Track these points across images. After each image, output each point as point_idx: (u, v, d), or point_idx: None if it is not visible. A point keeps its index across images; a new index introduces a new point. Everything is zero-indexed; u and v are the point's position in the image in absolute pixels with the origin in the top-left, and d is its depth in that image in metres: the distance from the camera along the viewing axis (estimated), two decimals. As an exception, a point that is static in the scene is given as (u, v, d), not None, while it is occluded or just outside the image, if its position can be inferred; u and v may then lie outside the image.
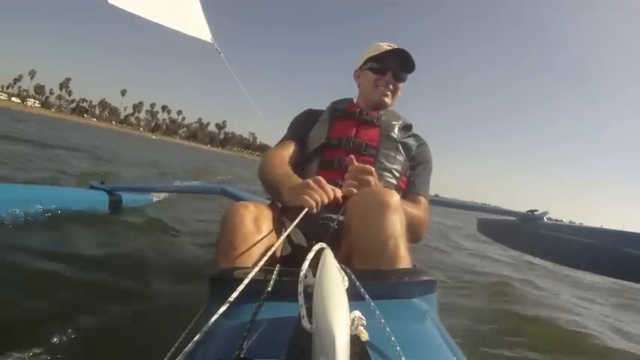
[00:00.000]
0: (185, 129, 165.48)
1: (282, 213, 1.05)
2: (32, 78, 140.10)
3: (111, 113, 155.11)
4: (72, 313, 1.38)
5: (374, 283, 0.69)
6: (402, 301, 0.73)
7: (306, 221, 0.93)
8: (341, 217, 1.00)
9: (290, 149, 1.35)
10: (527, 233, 2.74)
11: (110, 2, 2.72)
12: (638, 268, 1.99)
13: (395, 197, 0.87)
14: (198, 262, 2.29)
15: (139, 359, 1.19)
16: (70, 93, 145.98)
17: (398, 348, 0.48)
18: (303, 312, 0.48)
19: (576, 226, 3.06)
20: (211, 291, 0.76)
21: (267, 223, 0.91)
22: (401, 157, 1.36)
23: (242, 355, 0.49)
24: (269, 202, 1.19)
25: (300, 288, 0.52)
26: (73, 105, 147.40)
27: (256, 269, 0.61)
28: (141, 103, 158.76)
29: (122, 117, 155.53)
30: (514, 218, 2.94)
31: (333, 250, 0.61)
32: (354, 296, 0.53)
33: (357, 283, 0.60)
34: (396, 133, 1.37)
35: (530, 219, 2.74)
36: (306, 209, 0.87)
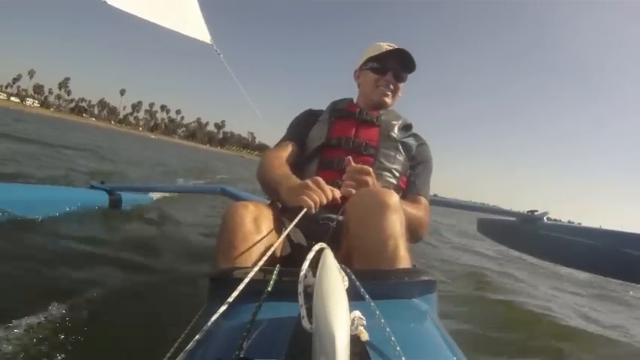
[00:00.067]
0: (184, 128, 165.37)
1: (282, 213, 1.05)
2: (31, 78, 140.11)
3: (110, 113, 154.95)
4: (71, 313, 1.38)
5: (374, 283, 0.69)
6: (402, 301, 0.73)
7: (306, 221, 0.93)
8: (340, 217, 1.01)
9: (289, 150, 1.35)
10: (527, 233, 2.75)
11: (109, 3, 2.72)
12: (638, 269, 1.99)
13: (394, 197, 0.87)
14: (198, 262, 2.29)
15: (139, 359, 1.20)
16: (69, 93, 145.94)
17: (398, 348, 0.48)
18: (303, 312, 0.48)
19: (576, 226, 3.06)
20: (211, 291, 0.76)
21: (267, 223, 0.91)
22: (401, 157, 1.35)
23: (242, 355, 0.49)
24: (269, 202, 1.19)
25: (300, 288, 0.52)
26: (72, 105, 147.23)
27: (256, 269, 0.61)
28: (140, 102, 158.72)
29: (121, 116, 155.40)
30: (514, 218, 2.95)
31: (332, 250, 0.61)
32: (354, 296, 0.53)
33: (357, 283, 0.60)
34: (395, 132, 1.37)
35: (530, 219, 2.74)
36: (305, 209, 0.87)
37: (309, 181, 0.94)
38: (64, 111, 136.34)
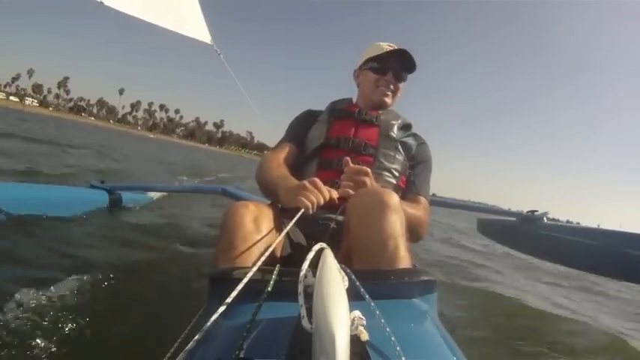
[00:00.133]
0: (183, 128, 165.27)
1: (283, 213, 1.05)
2: (30, 77, 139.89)
3: (109, 112, 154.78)
4: (71, 313, 1.37)
5: (374, 283, 0.69)
6: (402, 301, 0.73)
7: (306, 221, 0.93)
8: (340, 218, 1.01)
9: (288, 151, 1.35)
10: (527, 234, 2.75)
11: (106, 4, 2.71)
12: (638, 269, 1.99)
13: (394, 197, 0.88)
14: (198, 262, 2.29)
15: (139, 359, 1.20)
16: (68, 92, 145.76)
17: (398, 348, 0.48)
18: (303, 312, 0.49)
19: (576, 226, 3.07)
20: (211, 291, 0.76)
21: (267, 223, 0.91)
22: (400, 157, 1.36)
23: (242, 355, 0.49)
24: (269, 202, 1.19)
25: (300, 288, 0.52)
26: (71, 104, 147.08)
27: (254, 269, 0.62)
28: (139, 102, 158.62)
29: (120, 116, 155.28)
30: (514, 219, 2.95)
31: (332, 250, 0.61)
32: (354, 296, 0.53)
33: (357, 283, 0.60)
34: (395, 132, 1.38)
35: (530, 219, 2.74)
36: (302, 210, 0.88)
37: (306, 182, 0.95)
38: (62, 110, 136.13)
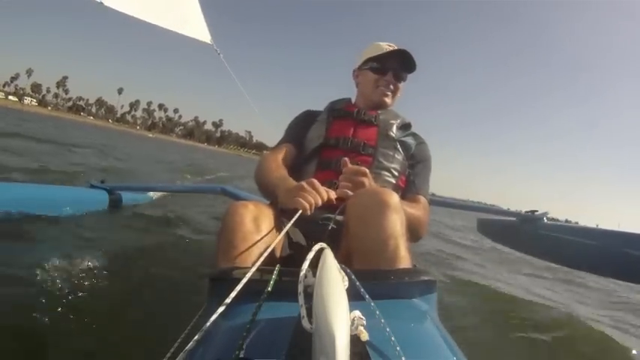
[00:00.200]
0: (182, 127, 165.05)
1: (282, 213, 1.05)
2: (29, 76, 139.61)
3: (107, 111, 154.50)
4: (71, 313, 1.38)
5: (374, 283, 0.69)
6: (402, 301, 0.73)
7: (306, 222, 0.93)
8: (338, 217, 1.01)
9: (287, 152, 1.35)
10: (527, 234, 2.75)
11: (106, 4, 2.71)
12: (638, 269, 1.99)
13: (394, 197, 0.88)
14: (198, 262, 2.28)
15: (139, 359, 1.20)
16: (67, 91, 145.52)
17: (398, 348, 0.48)
18: (303, 312, 0.49)
19: (576, 226, 3.07)
20: (211, 291, 0.76)
21: (267, 223, 0.91)
22: (399, 156, 1.36)
23: (242, 355, 0.49)
24: (269, 201, 1.19)
25: (300, 288, 0.52)
26: (70, 103, 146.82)
27: (253, 269, 0.62)
28: (137, 101, 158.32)
29: (119, 115, 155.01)
30: (514, 218, 2.95)
31: (332, 250, 0.61)
32: (354, 296, 0.53)
33: (357, 283, 0.60)
34: (394, 131, 1.38)
35: (530, 219, 2.74)
36: (300, 211, 0.88)
37: (304, 184, 0.95)
38: (61, 110, 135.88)
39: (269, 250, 0.73)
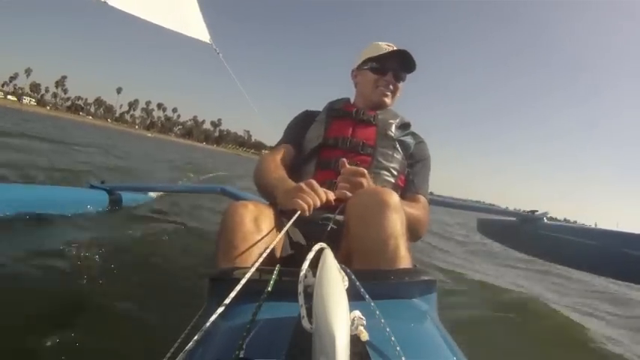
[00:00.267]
0: (180, 127, 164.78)
1: (282, 213, 1.06)
2: (28, 76, 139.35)
3: (106, 111, 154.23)
4: (71, 313, 1.37)
5: (374, 283, 0.69)
6: (402, 301, 0.73)
7: (306, 222, 0.93)
8: (338, 217, 1.01)
9: (286, 153, 1.35)
10: (527, 234, 2.75)
11: (110, 4, 2.71)
12: (638, 269, 1.99)
13: (394, 197, 0.87)
14: (198, 262, 2.28)
15: (139, 359, 1.20)
16: (65, 91, 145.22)
17: (398, 348, 0.48)
18: (303, 312, 0.48)
19: (576, 226, 3.07)
20: (211, 291, 0.76)
21: (267, 223, 0.91)
22: (398, 156, 1.36)
23: (242, 355, 0.49)
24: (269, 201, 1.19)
25: (300, 288, 0.52)
26: (69, 103, 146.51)
27: (252, 269, 0.61)
28: (136, 100, 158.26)
29: (117, 115, 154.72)
30: (514, 218, 2.95)
31: (332, 250, 0.61)
32: (354, 296, 0.53)
33: (357, 283, 0.60)
34: (393, 131, 1.38)
35: (530, 219, 2.74)
36: (298, 212, 0.88)
37: (302, 185, 0.95)
38: (60, 109, 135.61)
39: (269, 250, 0.73)
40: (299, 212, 0.88)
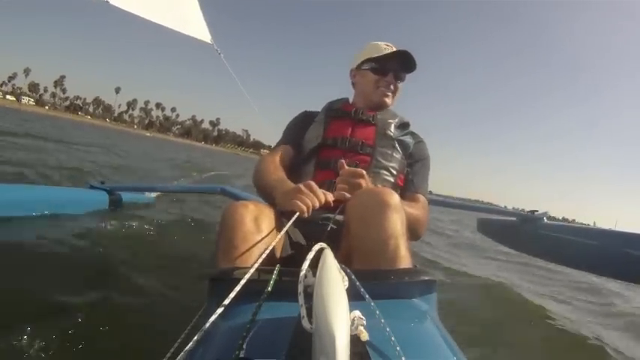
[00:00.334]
0: (179, 126, 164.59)
1: (283, 213, 1.06)
2: (27, 76, 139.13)
3: (105, 111, 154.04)
4: (71, 313, 1.37)
5: (374, 283, 0.69)
6: (402, 301, 0.73)
7: (306, 222, 0.93)
8: (338, 217, 1.01)
9: (285, 154, 1.35)
10: (527, 233, 2.74)
11: (111, 3, 2.71)
12: (638, 269, 1.99)
13: (395, 197, 0.87)
14: (198, 262, 2.28)
15: (139, 359, 1.20)
16: (64, 91, 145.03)
17: (398, 348, 0.48)
18: (303, 312, 0.48)
19: (576, 226, 3.06)
20: (211, 291, 0.76)
21: (267, 223, 0.90)
22: (398, 155, 1.36)
23: (242, 355, 0.49)
24: None
25: (300, 288, 0.52)
26: (67, 103, 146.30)
27: (252, 270, 0.61)
28: (135, 100, 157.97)
29: (116, 114, 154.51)
30: (514, 218, 2.94)
31: (332, 250, 0.61)
32: (354, 296, 0.53)
33: (357, 283, 0.60)
34: (392, 130, 1.38)
35: (531, 219, 2.73)
36: (297, 214, 0.88)
37: (301, 186, 0.94)
38: (59, 109, 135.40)
39: (269, 250, 0.73)
40: (297, 214, 0.88)
